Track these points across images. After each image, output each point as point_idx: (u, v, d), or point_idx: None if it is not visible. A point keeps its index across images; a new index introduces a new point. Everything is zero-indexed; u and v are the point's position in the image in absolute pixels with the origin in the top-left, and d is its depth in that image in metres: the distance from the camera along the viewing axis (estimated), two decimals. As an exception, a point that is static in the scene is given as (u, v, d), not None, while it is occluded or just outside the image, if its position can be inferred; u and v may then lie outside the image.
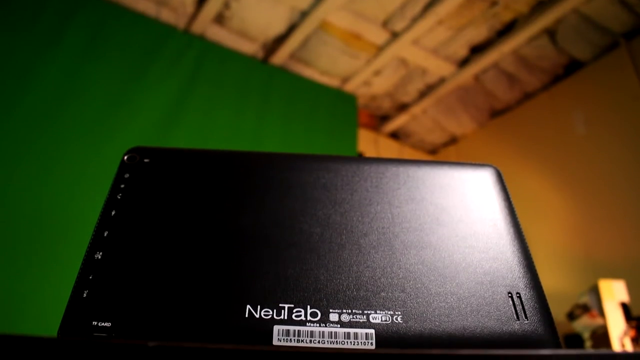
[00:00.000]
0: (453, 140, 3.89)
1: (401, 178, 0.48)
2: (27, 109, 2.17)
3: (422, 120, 3.71)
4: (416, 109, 3.58)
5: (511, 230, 0.46)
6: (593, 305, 2.32)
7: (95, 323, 0.38)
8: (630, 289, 2.33)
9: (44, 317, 1.76)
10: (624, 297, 2.31)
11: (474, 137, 3.74)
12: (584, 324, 2.31)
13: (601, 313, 2.27)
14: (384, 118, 3.76)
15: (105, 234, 0.43)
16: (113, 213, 0.45)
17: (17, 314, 1.84)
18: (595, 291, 2.35)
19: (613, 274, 2.45)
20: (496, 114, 3.57)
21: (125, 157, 0.50)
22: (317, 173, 0.48)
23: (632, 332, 2.17)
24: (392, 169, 0.49)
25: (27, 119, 2.15)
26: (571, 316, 2.35)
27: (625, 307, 2.27)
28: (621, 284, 2.35)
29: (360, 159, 0.51)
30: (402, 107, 3.61)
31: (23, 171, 2.07)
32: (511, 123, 3.48)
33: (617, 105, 2.84)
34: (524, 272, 0.43)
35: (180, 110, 2.61)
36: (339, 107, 3.27)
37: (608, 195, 2.78)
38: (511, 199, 0.49)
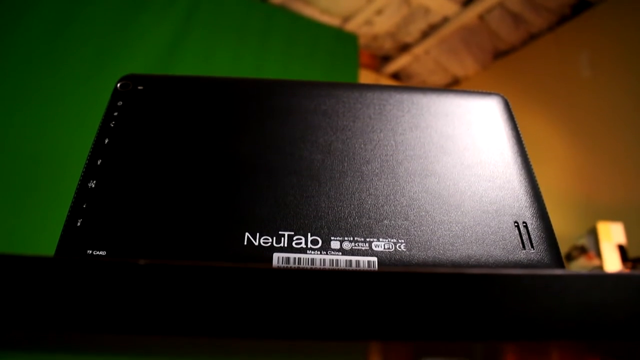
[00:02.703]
0: (455, 82, 3.84)
1: (405, 105, 0.46)
2: (21, 56, 2.12)
3: (424, 61, 3.65)
4: (418, 50, 3.52)
5: (518, 159, 0.44)
6: (590, 247, 2.34)
7: (90, 252, 0.37)
8: (628, 231, 2.35)
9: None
10: (622, 239, 2.33)
11: (477, 79, 3.68)
12: (580, 265, 2.33)
13: (598, 255, 2.29)
14: (386, 59, 3.70)
15: (99, 163, 0.42)
16: (106, 141, 0.43)
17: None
18: (593, 233, 2.37)
19: (612, 217, 2.46)
20: (500, 55, 3.50)
21: (119, 85, 0.48)
22: (317, 100, 0.46)
23: (628, 273, 2.20)
24: (396, 96, 0.47)
25: (22, 65, 2.11)
26: (568, 257, 2.37)
27: (622, 249, 2.29)
28: (619, 227, 2.36)
29: (363, 85, 0.49)
30: (404, 48, 3.54)
31: (22, 115, 2.04)
32: (515, 65, 3.42)
33: (625, 47, 2.78)
34: (531, 201, 0.42)
35: (177, 55, 2.55)
36: (340, 47, 3.20)
37: (610, 138, 2.76)
38: (519, 129, 0.48)
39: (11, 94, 2.05)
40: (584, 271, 0.22)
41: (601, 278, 0.22)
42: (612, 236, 2.33)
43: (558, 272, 0.22)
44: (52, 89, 2.15)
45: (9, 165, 1.95)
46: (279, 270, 0.21)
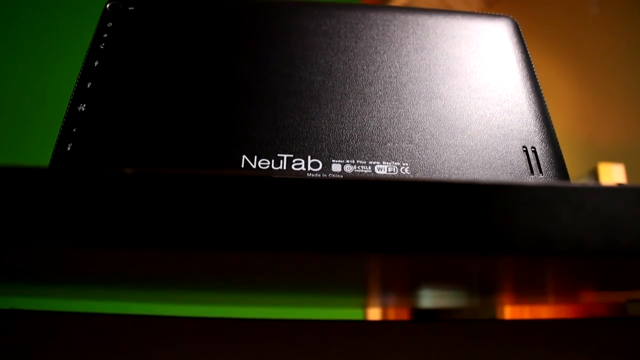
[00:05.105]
0: (458, 22, 3.74)
1: (410, 26, 0.44)
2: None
3: (427, -1, 3.54)
4: (421, -13, 3.41)
5: (528, 83, 0.42)
6: (591, 188, 2.33)
7: (82, 177, 0.36)
8: (629, 172, 2.34)
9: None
10: (623, 180, 2.32)
11: (481, 18, 3.59)
12: (581, 206, 2.33)
13: (598, 196, 2.29)
14: (387, -3, 3.59)
15: (89, 86, 0.40)
16: (96, 64, 0.41)
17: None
18: (594, 174, 2.36)
19: (613, 158, 2.45)
20: (505, -8, 3.40)
21: (108, 5, 0.45)
22: (317, 20, 0.43)
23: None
24: (401, 17, 0.44)
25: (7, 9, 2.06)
26: (568, 198, 2.37)
27: (622, 191, 2.28)
28: (620, 168, 2.35)
29: (365, 5, 0.46)
30: (407, -15, 3.44)
31: (24, 66, 2.01)
32: (520, 2, 3.33)
33: (635, -18, 2.69)
34: (540, 126, 0.40)
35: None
36: (340, -17, 3.10)
37: (615, 79, 2.71)
38: (528, 52, 0.45)
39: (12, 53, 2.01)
40: (604, 183, 0.20)
41: (622, 191, 0.21)
42: (613, 177, 2.33)
43: (576, 184, 0.20)
44: (42, 27, 2.10)
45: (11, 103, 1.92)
46: (276, 178, 0.19)
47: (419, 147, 0.37)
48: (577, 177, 2.44)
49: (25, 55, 2.02)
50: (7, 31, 2.04)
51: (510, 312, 1.54)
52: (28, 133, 1.90)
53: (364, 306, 1.11)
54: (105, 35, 0.43)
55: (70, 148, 0.37)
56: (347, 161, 0.36)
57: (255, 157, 0.36)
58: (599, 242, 0.20)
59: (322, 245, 0.19)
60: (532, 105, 0.41)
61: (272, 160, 0.35)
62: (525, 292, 0.47)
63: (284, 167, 0.35)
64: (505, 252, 0.20)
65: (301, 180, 0.19)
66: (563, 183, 0.21)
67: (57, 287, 0.47)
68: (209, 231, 0.19)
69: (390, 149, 0.37)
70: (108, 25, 0.44)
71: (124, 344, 0.45)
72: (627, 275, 0.32)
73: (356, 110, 0.38)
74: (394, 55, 0.42)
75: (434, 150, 0.37)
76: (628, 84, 2.66)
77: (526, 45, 0.46)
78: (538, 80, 0.43)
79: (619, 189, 0.21)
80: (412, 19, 0.44)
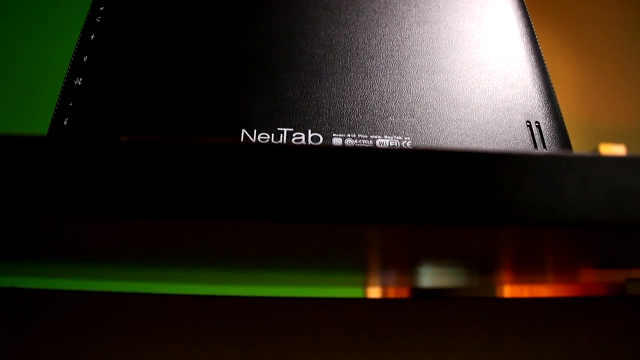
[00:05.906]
0: None
1: (412, -1, 0.43)
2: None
3: (428, -22, 3.51)
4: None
5: (532, 57, 0.42)
6: (591, 169, 2.33)
7: (79, 151, 0.35)
8: (630, 153, 2.33)
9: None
10: (623, 161, 2.31)
11: (482, -3, 3.55)
12: (581, 187, 2.32)
13: (599, 177, 2.28)
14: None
15: (85, 59, 0.39)
16: (92, 37, 0.41)
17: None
18: (595, 155, 2.35)
19: (614, 140, 2.44)
20: (507, -29, 3.36)
21: (104, -22, 0.44)
22: (318, -8, 0.43)
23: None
24: (403, -11, 0.44)
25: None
26: (569, 179, 2.36)
27: (623, 172, 2.28)
28: (621, 148, 2.34)
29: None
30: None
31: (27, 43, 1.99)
32: (522, -19, 3.29)
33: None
34: (545, 101, 0.39)
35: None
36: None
37: (616, 59, 2.69)
38: (533, 26, 0.45)
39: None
40: (611, 153, 0.20)
41: (630, 161, 0.20)
42: (613, 158, 2.32)
43: (583, 154, 0.20)
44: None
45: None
46: (275, 147, 0.19)
47: (421, 121, 0.36)
48: (577, 157, 2.43)
49: (23, 30, 2.00)
50: (6, 6, 2.02)
51: (509, 291, 1.55)
52: (25, 107, 1.89)
53: (364, 285, 1.11)
54: (101, 8, 0.42)
55: (67, 122, 0.36)
56: (348, 135, 0.35)
57: (255, 130, 0.35)
58: (605, 214, 0.20)
59: (324, 215, 0.18)
60: (536, 80, 0.40)
61: (272, 134, 0.35)
62: (525, 270, 0.47)
63: (284, 141, 0.35)
64: (509, 223, 0.19)
65: (301, 149, 0.19)
66: (569, 153, 0.20)
67: (56, 265, 0.47)
68: (206, 200, 0.18)
69: (392, 123, 0.36)
70: (104, -3, 0.43)
71: (124, 322, 0.45)
72: (629, 250, 0.32)
73: (357, 84, 0.38)
74: (396, 29, 0.41)
75: (436, 125, 0.36)
76: (630, 66, 2.64)
77: (530, 19, 0.45)
78: (542, 55, 0.43)
79: (626, 159, 0.20)
80: (414, -9, 0.44)
